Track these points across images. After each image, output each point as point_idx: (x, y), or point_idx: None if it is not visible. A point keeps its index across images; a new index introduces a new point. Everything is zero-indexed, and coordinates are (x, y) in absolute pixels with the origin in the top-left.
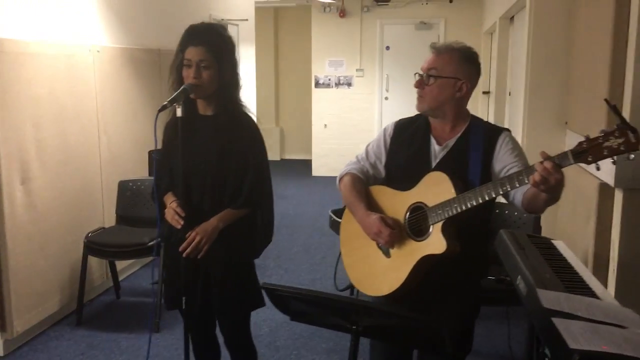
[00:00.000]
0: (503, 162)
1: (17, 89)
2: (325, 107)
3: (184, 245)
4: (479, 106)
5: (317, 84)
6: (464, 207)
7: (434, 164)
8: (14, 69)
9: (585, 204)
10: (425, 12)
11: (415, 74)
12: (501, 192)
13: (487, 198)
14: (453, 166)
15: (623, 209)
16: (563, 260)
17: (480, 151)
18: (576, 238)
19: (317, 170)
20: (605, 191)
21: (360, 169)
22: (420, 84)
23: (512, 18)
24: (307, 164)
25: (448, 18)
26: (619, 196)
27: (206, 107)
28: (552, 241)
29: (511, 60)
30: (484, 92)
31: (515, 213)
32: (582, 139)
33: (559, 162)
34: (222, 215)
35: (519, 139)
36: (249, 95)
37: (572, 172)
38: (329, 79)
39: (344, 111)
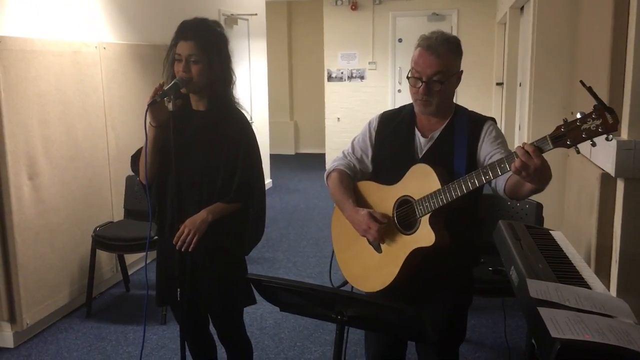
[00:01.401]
0: (486, 150)
1: (23, 86)
2: (338, 100)
3: (175, 238)
4: (493, 97)
5: (329, 78)
6: (449, 198)
7: (419, 156)
8: (20, 67)
9: (588, 194)
10: (437, 3)
11: (409, 77)
12: (484, 181)
13: (471, 188)
14: (438, 158)
15: (624, 199)
16: (559, 250)
17: (465, 141)
18: (581, 229)
19: (331, 162)
20: (606, 181)
21: (347, 164)
22: (428, 91)
23: (522, 8)
24: (321, 158)
25: (461, 9)
26: (620, 186)
27: (198, 103)
28: (551, 231)
29: (521, 51)
30: (498, 84)
31: (518, 204)
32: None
33: (538, 145)
34: (212, 208)
35: (525, 130)
36: (260, 90)
37: (576, 162)
38: (342, 73)
39: (356, 104)
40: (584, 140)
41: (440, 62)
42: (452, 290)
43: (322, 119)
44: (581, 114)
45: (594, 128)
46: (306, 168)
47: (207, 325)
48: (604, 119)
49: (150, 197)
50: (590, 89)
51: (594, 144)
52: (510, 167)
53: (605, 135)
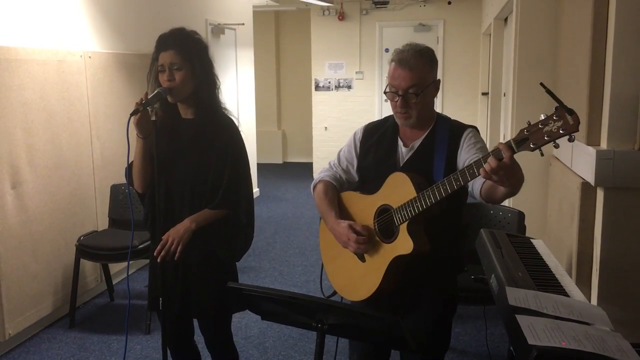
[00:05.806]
0: (464, 157)
1: (7, 95)
2: (326, 110)
3: (158, 248)
4: (479, 107)
5: (317, 87)
6: (425, 205)
7: (400, 166)
8: (4, 75)
9: (569, 203)
10: (423, 14)
11: (386, 92)
12: (456, 187)
13: (444, 194)
14: (418, 167)
15: (604, 208)
16: (539, 259)
17: (445, 150)
18: (562, 237)
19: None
20: (587, 190)
21: (332, 175)
22: (406, 104)
23: (506, 19)
24: (308, 167)
25: (447, 19)
26: (600, 195)
27: (186, 111)
28: (532, 240)
29: (505, 62)
30: (483, 94)
31: (500, 213)
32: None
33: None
34: (196, 216)
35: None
36: (248, 99)
37: (558, 172)
38: (329, 82)
39: (344, 114)
40: (547, 142)
41: (413, 75)
42: (437, 298)
43: (309, 128)
44: (544, 116)
45: (555, 130)
46: (293, 177)
47: (192, 335)
48: (564, 120)
49: (145, 205)
50: (549, 91)
51: (556, 146)
52: (478, 172)
53: (567, 137)
